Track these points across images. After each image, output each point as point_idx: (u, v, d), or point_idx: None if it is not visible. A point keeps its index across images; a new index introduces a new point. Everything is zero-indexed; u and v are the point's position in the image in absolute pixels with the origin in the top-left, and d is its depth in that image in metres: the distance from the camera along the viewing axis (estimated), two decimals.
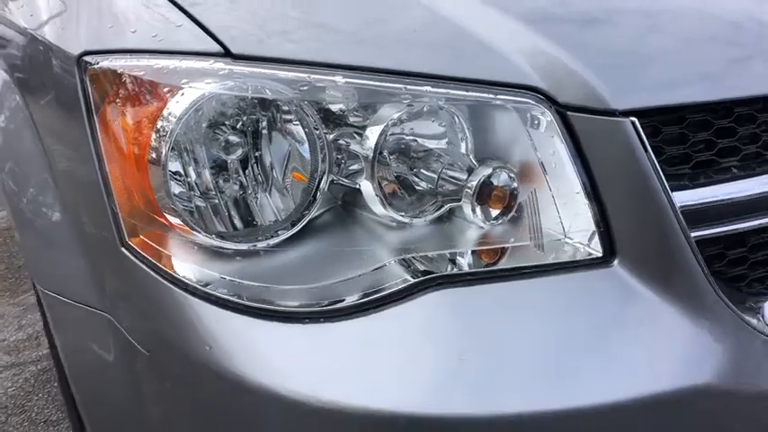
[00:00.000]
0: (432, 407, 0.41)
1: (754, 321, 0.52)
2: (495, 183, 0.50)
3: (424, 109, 0.50)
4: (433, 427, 0.42)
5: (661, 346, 0.47)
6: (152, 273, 0.48)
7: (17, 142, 0.66)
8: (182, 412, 0.50)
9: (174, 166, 0.47)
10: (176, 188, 0.47)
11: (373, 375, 0.43)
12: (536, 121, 0.49)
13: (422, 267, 0.48)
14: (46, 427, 1.31)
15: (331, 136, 0.50)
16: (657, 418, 0.46)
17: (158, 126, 0.46)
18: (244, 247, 0.49)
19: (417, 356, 0.44)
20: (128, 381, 0.55)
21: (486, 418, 0.41)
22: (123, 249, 0.50)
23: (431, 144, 0.53)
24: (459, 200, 0.50)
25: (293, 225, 0.50)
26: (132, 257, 0.49)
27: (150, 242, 0.49)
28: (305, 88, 0.46)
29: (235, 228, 0.50)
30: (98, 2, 0.55)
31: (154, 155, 0.47)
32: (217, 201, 0.49)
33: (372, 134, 0.48)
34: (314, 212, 0.51)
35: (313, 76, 0.47)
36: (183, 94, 0.45)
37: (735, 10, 0.62)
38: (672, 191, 0.49)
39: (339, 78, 0.47)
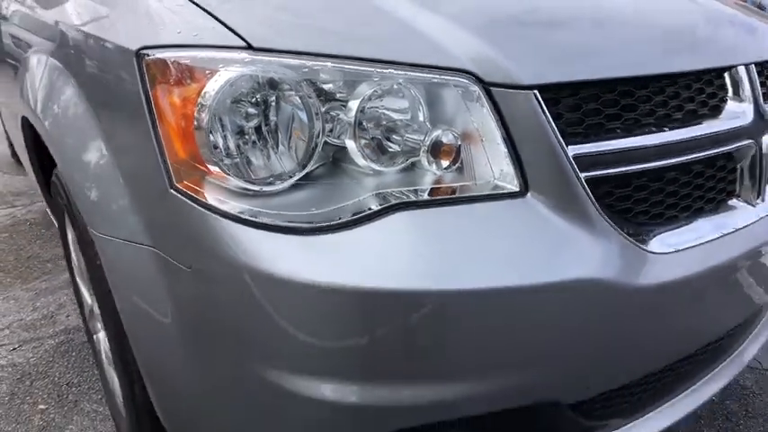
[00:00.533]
0: (403, 284, 0.61)
1: (632, 240, 0.73)
2: (444, 141, 0.69)
3: (394, 87, 0.69)
4: (405, 298, 0.61)
5: (561, 250, 0.67)
6: (196, 206, 0.66)
7: (76, 120, 0.84)
8: (215, 307, 0.68)
9: (212, 129, 0.65)
10: (213, 146, 0.66)
11: (363, 265, 0.62)
12: (471, 96, 0.69)
13: (393, 200, 0.67)
14: (68, 388, 1.46)
15: (324, 107, 0.69)
16: (561, 300, 0.66)
17: (200, 101, 0.65)
18: (260, 188, 0.67)
19: (392, 251, 0.63)
20: (171, 294, 0.72)
21: (435, 291, 0.61)
22: (172, 191, 0.68)
23: (396, 115, 0.72)
24: (419, 154, 0.70)
25: (296, 173, 0.68)
26: (180, 196, 0.67)
27: (193, 185, 0.67)
28: (305, 71, 0.65)
29: (255, 174, 0.68)
30: (149, 10, 0.74)
31: (197, 122, 0.65)
32: (241, 155, 0.68)
33: (353, 105, 0.67)
34: (312, 165, 0.69)
35: (310, 63, 0.66)
36: (219, 75, 0.64)
37: (624, 10, 0.83)
38: (567, 145, 0.69)
39: (329, 64, 0.66)
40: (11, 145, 3.25)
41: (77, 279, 1.34)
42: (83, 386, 1.47)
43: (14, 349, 1.63)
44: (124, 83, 0.72)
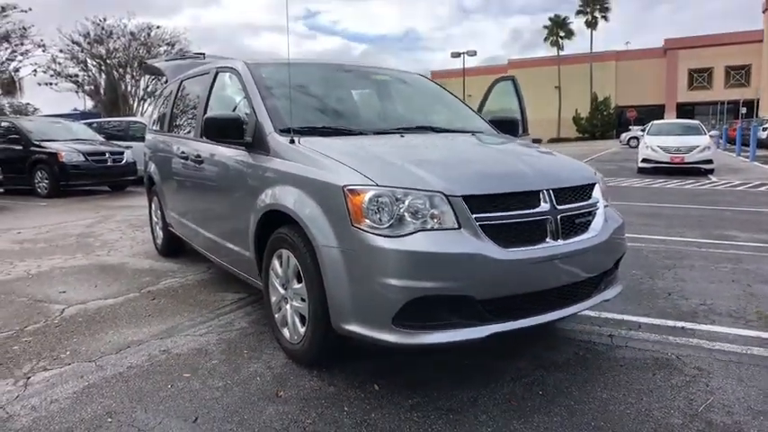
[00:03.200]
0: (420, 249, 2.14)
1: (494, 242, 2.24)
2: (436, 214, 2.23)
3: (418, 196, 2.24)
4: (420, 255, 2.14)
5: (468, 243, 2.18)
6: (358, 230, 2.20)
7: (314, 209, 2.41)
8: (360, 261, 2.19)
9: (365, 210, 2.22)
10: (365, 214, 2.21)
11: (412, 245, 2.17)
12: (442, 200, 2.24)
13: (417, 228, 2.21)
14: (256, 345, 2.90)
15: (397, 205, 2.25)
16: (465, 258, 2.16)
17: (362, 200, 2.22)
18: (377, 225, 2.21)
19: (419, 242, 2.18)
20: (346, 262, 2.24)
21: (432, 252, 2.14)
22: (352, 227, 2.23)
23: (420, 206, 2.27)
24: (427, 219, 2.24)
25: (390, 221, 2.23)
26: (353, 227, 2.22)
27: (358, 225, 2.22)
28: (393, 190, 2.23)
29: (376, 222, 2.23)
30: (339, 169, 2.35)
31: (361, 207, 2.22)
32: (373, 216, 2.22)
33: (407, 201, 2.23)
34: (393, 220, 2.24)
35: (394, 188, 2.23)
36: (367, 193, 2.21)
37: (508, 152, 2.44)
38: (473, 213, 2.23)
39: (399, 188, 2.23)
40: (154, 240, 5.00)
41: (273, 281, 2.82)
42: (263, 344, 2.91)
43: (220, 333, 3.10)
44: (336, 196, 2.31)
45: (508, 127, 3.84)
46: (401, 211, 2.21)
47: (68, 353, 2.87)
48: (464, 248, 2.18)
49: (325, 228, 2.34)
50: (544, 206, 2.42)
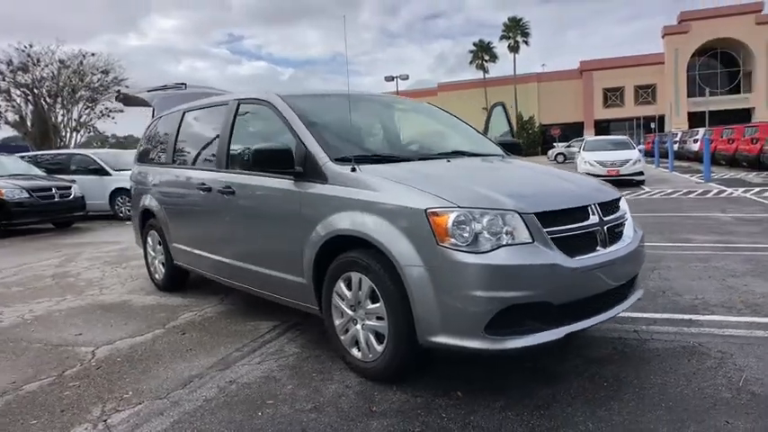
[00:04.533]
0: (502, 262, 2.37)
1: (565, 254, 2.51)
2: (510, 230, 2.47)
3: (494, 215, 2.48)
4: (502, 268, 2.36)
5: (542, 256, 2.44)
6: (443, 248, 2.40)
7: (394, 231, 2.58)
8: (444, 275, 2.39)
9: (451, 231, 2.42)
10: (450, 234, 2.42)
11: (495, 259, 2.38)
12: (515, 217, 2.48)
13: (496, 246, 2.44)
14: (323, 365, 2.98)
15: (473, 225, 2.48)
16: (545, 269, 2.41)
17: (446, 221, 2.42)
18: (458, 243, 2.42)
19: (501, 257, 2.40)
20: (432, 277, 2.42)
21: (509, 264, 2.37)
22: (438, 245, 2.42)
23: (496, 226, 2.51)
24: (503, 233, 2.48)
25: (470, 239, 2.44)
26: (439, 246, 2.41)
27: (442, 243, 2.42)
28: (472, 211, 2.45)
29: (457, 239, 2.44)
30: (412, 195, 2.54)
31: (445, 227, 2.42)
32: (455, 237, 2.43)
33: (484, 221, 2.46)
34: (473, 237, 2.46)
35: (471, 208, 2.45)
36: (450, 214, 2.42)
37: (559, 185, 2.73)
38: (544, 228, 2.49)
39: (477, 209, 2.46)
40: (151, 275, 4.90)
41: (338, 304, 2.94)
42: (327, 366, 3.00)
43: (277, 360, 3.15)
44: (416, 218, 2.50)
45: (513, 149, 4.19)
46: (480, 228, 2.43)
47: (131, 392, 2.83)
48: (543, 260, 2.43)
49: (407, 248, 2.51)
50: (594, 218, 2.73)
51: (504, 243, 2.43)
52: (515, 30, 55.25)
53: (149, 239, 5.23)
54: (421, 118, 4.23)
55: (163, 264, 5.02)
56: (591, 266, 2.58)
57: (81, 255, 7.66)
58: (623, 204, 3.12)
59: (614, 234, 2.87)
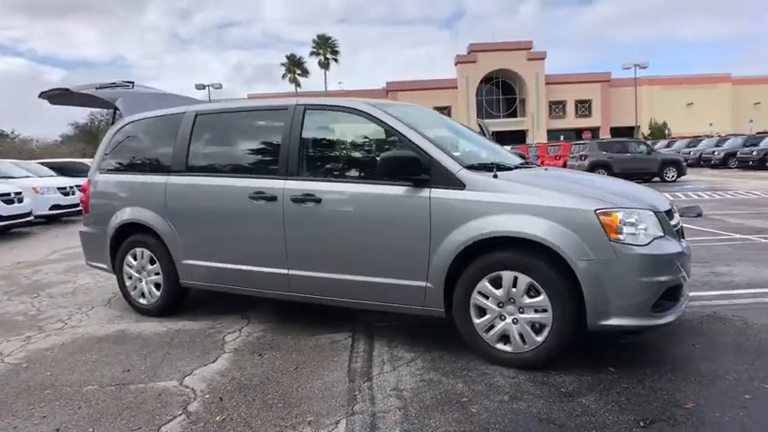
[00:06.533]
0: (653, 251, 2.91)
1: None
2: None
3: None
4: (643, 257, 2.90)
5: (676, 244, 3.05)
6: (615, 243, 2.84)
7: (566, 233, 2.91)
8: (611, 266, 2.84)
9: (618, 227, 2.87)
10: (618, 230, 2.87)
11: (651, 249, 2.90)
12: (650, 215, 3.04)
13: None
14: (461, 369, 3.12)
15: (627, 216, 2.96)
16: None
17: (616, 221, 2.86)
18: (636, 242, 2.89)
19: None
20: (605, 268, 2.84)
21: None
22: (609, 241, 2.85)
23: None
24: None
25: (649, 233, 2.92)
26: (610, 241, 2.85)
27: (614, 238, 2.86)
28: (635, 212, 2.93)
29: (623, 235, 2.90)
30: (564, 198, 2.93)
31: (616, 226, 2.86)
32: (621, 233, 2.89)
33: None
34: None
35: (636, 209, 2.94)
36: (616, 212, 2.88)
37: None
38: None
39: (640, 209, 2.95)
40: (131, 301, 4.38)
41: (482, 303, 3.12)
42: (472, 364, 3.15)
43: (423, 365, 3.18)
44: (585, 218, 2.88)
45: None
46: (640, 225, 2.93)
47: (310, 417, 2.64)
48: (677, 248, 3.04)
49: (578, 244, 2.88)
50: (677, 217, 3.45)
51: (655, 237, 2.97)
52: (325, 47, 57.35)
53: (130, 259, 4.52)
54: (461, 127, 4.57)
55: (157, 285, 4.40)
56: (689, 255, 3.27)
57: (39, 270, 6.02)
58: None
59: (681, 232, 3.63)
